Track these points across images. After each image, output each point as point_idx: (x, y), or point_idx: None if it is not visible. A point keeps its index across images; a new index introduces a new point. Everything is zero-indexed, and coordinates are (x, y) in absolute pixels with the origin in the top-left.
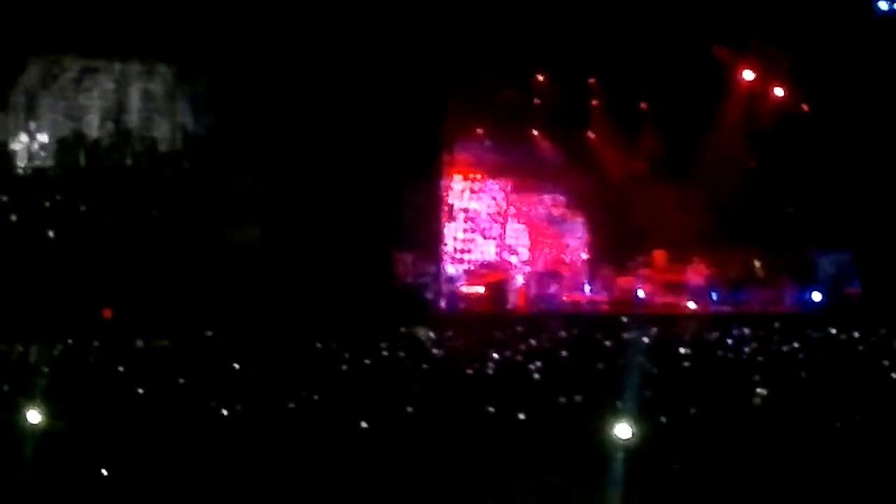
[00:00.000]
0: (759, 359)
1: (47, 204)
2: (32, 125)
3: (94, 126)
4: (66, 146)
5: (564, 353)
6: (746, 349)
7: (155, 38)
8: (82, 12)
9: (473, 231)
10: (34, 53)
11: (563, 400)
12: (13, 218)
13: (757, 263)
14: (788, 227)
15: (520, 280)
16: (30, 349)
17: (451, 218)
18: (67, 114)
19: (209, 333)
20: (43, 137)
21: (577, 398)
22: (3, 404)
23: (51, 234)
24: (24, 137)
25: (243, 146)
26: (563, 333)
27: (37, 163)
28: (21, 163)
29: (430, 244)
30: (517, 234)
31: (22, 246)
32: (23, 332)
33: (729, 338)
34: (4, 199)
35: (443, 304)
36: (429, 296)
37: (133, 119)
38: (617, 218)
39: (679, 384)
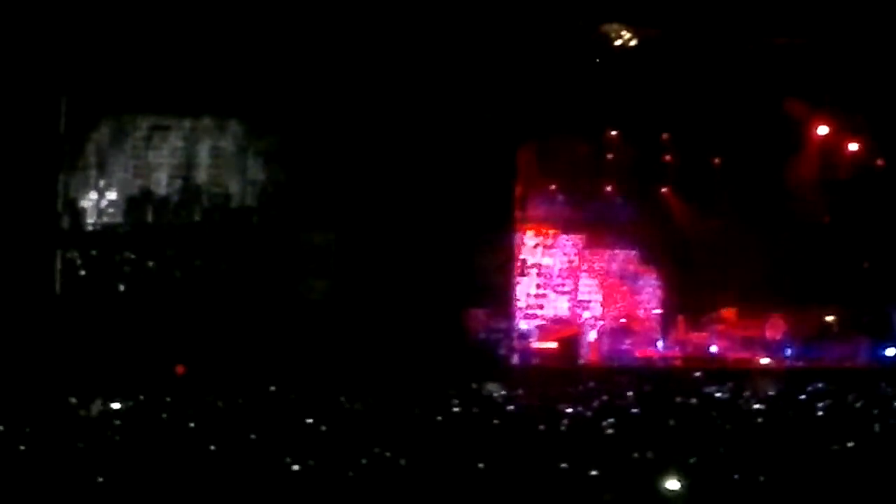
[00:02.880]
0: (834, 413)
1: (117, 259)
2: (102, 182)
3: (163, 183)
4: (136, 203)
5: (637, 409)
6: (820, 404)
7: (225, 94)
8: (152, 70)
9: (546, 286)
10: (105, 112)
11: (636, 455)
12: (83, 273)
13: (831, 318)
14: (863, 282)
15: (592, 335)
16: (102, 405)
17: (524, 273)
18: (137, 171)
19: (276, 388)
20: (112, 195)
21: (650, 454)
22: (78, 458)
23: (121, 289)
24: (93, 195)
25: (314, 202)
26: (635, 388)
27: (106, 220)
28: (91, 219)
29: (503, 300)
30: (590, 289)
31: (93, 302)
32: (95, 388)
33: (803, 393)
34: (76, 255)
35: (515, 359)
36: (501, 351)
37: (203, 175)
38: (690, 273)
39: (753, 439)
